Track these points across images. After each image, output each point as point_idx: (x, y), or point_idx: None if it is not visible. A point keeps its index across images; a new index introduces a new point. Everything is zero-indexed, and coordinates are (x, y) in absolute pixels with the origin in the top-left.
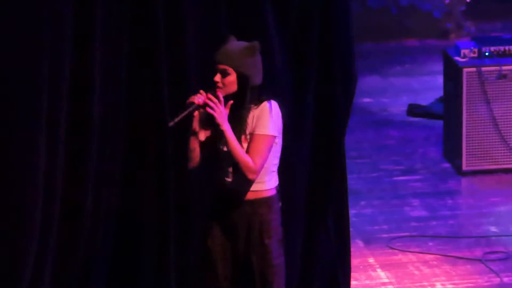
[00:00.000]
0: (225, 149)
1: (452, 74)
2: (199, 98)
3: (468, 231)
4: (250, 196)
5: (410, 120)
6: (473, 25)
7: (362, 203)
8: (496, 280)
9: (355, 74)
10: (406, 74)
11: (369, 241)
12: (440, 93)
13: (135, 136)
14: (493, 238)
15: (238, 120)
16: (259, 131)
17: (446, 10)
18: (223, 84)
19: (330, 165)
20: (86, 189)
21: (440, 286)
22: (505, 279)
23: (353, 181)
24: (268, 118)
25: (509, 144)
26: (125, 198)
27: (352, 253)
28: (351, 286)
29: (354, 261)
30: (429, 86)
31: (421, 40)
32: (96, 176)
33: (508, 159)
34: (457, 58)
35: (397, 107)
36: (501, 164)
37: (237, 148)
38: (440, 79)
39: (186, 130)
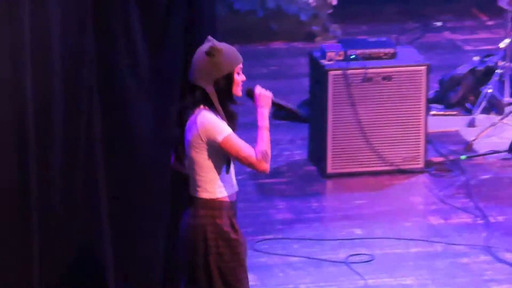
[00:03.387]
0: None
1: (318, 77)
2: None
3: (332, 233)
4: None
5: (275, 122)
6: (339, 28)
7: None
8: (361, 282)
9: None
10: (272, 76)
11: None
12: (306, 96)
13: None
14: (358, 240)
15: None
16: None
17: (313, 13)
18: None
19: None
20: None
21: None
22: (370, 281)
23: None
24: None
25: (374, 147)
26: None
27: None
28: None
29: None
30: (295, 88)
31: (288, 43)
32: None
33: (372, 162)
34: (322, 61)
35: None
36: (365, 167)
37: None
38: (306, 82)
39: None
